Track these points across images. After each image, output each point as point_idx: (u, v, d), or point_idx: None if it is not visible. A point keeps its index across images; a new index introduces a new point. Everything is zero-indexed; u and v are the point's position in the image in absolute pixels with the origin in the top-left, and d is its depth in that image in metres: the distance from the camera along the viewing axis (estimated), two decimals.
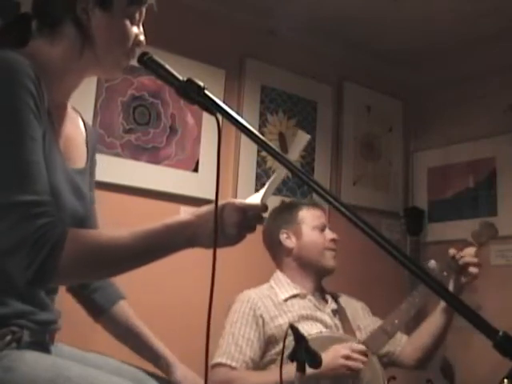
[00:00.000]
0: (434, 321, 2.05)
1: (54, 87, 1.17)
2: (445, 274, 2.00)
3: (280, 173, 1.18)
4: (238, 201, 1.14)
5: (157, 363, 1.47)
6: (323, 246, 2.15)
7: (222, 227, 1.10)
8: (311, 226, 2.17)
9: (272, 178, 1.19)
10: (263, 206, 1.14)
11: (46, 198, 1.04)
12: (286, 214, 2.21)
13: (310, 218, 2.19)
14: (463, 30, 2.90)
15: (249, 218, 1.12)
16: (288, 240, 2.17)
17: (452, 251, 2.00)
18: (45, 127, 1.12)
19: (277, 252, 2.22)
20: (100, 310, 1.46)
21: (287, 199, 2.47)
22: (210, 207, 1.11)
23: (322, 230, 2.18)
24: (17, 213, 1.00)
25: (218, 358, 1.96)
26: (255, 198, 1.16)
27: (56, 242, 1.01)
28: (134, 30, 1.23)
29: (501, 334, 0.80)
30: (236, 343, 1.97)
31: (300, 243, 2.16)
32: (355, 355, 1.87)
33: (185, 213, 2.55)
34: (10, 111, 1.05)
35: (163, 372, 1.47)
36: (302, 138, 1.17)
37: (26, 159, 1.04)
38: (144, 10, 1.25)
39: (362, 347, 1.91)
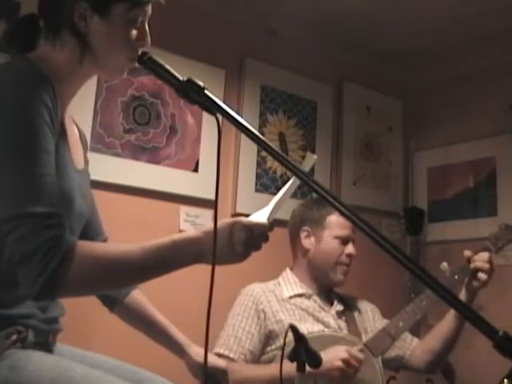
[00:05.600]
0: (447, 324, 2.01)
1: (61, 91, 1.18)
2: (456, 277, 1.94)
3: (287, 191, 1.20)
4: (246, 219, 1.16)
5: (172, 349, 1.50)
6: (337, 259, 2.09)
7: (230, 244, 1.12)
8: (333, 235, 2.10)
9: (279, 196, 1.21)
10: (269, 225, 1.16)
11: (57, 210, 1.05)
12: (315, 211, 2.14)
13: (335, 226, 2.11)
14: (463, 29, 2.90)
15: (255, 236, 1.14)
16: (307, 240, 2.14)
17: (467, 253, 1.94)
18: (58, 137, 1.13)
19: (294, 246, 2.19)
20: (113, 301, 1.48)
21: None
22: (218, 224, 1.12)
23: (344, 241, 2.10)
24: (29, 224, 1.01)
25: (216, 349, 1.97)
26: (261, 215, 1.18)
27: (65, 254, 1.02)
28: (135, 33, 1.20)
29: (501, 334, 0.80)
30: (235, 335, 1.98)
31: (317, 247, 2.12)
32: (352, 361, 1.84)
33: (184, 213, 2.57)
34: (26, 124, 1.06)
35: (180, 357, 1.49)
36: (311, 159, 1.22)
37: (39, 172, 1.05)
38: (149, 9, 1.23)
39: (359, 355, 1.87)
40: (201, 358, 1.46)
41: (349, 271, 2.13)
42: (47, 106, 1.08)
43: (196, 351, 1.47)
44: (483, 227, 2.94)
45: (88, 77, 1.27)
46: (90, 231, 1.43)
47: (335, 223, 2.10)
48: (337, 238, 2.10)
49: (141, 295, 1.51)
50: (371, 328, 2.15)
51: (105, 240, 1.49)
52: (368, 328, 2.15)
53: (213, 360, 1.50)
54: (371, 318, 2.20)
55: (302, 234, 2.14)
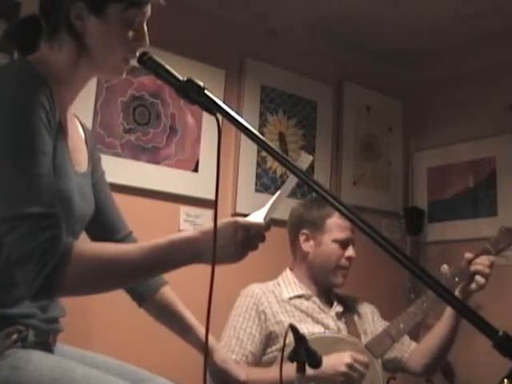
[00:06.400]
0: (443, 324, 2.01)
1: (61, 93, 1.18)
2: (456, 279, 1.94)
3: (283, 191, 1.20)
4: (242, 219, 1.16)
5: (199, 349, 1.47)
6: (337, 262, 2.07)
7: (227, 245, 1.12)
8: (333, 238, 2.08)
9: (276, 196, 1.21)
10: (266, 226, 1.16)
11: (54, 211, 1.05)
12: (314, 212, 2.11)
13: (335, 229, 2.08)
14: (463, 29, 2.90)
15: (252, 236, 1.14)
16: (306, 243, 2.12)
17: (468, 256, 1.93)
18: (56, 138, 1.13)
19: (294, 248, 2.18)
20: (142, 296, 1.47)
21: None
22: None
23: (344, 244, 2.08)
24: (26, 225, 1.01)
25: None
26: (258, 215, 1.18)
27: (62, 255, 1.02)
28: (132, 33, 1.20)
29: (501, 334, 0.80)
30: (237, 337, 1.97)
31: (316, 251, 2.10)
32: (357, 366, 1.84)
33: (184, 213, 2.57)
34: (24, 125, 1.06)
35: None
36: (306, 159, 1.20)
37: (37, 173, 1.05)
38: (148, 10, 1.23)
39: (364, 358, 1.87)
40: (225, 365, 1.46)
41: (348, 273, 2.13)
42: (44, 108, 1.08)
43: (221, 357, 1.46)
44: (483, 227, 2.95)
45: (88, 79, 1.27)
46: (109, 228, 1.44)
47: (335, 226, 2.08)
48: (336, 241, 2.08)
49: (170, 292, 1.50)
50: (370, 330, 2.15)
51: (128, 234, 1.48)
52: (367, 329, 2.15)
53: (236, 371, 1.48)
54: (370, 320, 2.19)
55: (301, 238, 2.13)
